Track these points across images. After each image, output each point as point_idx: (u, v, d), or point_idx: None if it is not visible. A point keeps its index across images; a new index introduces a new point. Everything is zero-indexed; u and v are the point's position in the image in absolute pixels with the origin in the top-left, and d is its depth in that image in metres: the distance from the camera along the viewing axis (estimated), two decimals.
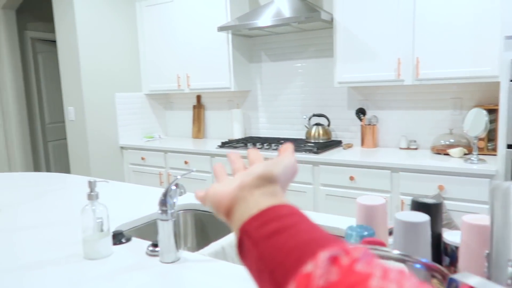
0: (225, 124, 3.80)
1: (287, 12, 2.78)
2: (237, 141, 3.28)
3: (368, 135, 2.94)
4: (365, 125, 2.94)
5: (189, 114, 4.04)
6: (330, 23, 2.78)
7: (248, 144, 3.02)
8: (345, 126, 3.15)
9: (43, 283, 0.91)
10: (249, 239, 0.36)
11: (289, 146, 0.51)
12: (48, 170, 5.04)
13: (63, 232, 1.26)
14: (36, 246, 1.14)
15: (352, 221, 1.27)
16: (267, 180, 0.43)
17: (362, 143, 2.97)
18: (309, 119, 3.20)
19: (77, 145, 3.59)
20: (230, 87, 3.31)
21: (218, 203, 0.44)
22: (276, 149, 2.88)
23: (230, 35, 3.25)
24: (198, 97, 3.92)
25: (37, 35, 4.75)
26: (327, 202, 2.64)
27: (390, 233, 0.88)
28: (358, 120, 3.07)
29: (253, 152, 0.52)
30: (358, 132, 3.09)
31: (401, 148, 2.84)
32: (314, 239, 0.33)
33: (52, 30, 4.76)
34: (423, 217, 0.71)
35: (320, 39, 3.16)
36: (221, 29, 3.02)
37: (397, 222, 0.71)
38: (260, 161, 0.50)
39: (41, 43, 4.82)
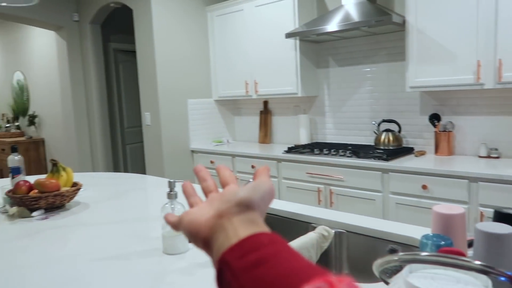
0: (291, 129, 3.83)
1: (356, 16, 2.74)
2: (304, 146, 3.29)
3: (443, 142, 2.79)
4: (440, 131, 2.79)
5: (256, 120, 4.12)
6: (402, 25, 2.69)
7: (314, 150, 3.02)
8: (417, 133, 3.02)
9: (128, 273, 1.00)
10: (228, 271, 0.35)
11: (265, 169, 0.48)
12: (126, 170, 5.43)
13: (144, 227, 1.37)
14: (120, 240, 1.25)
15: (426, 231, 1.22)
16: (246, 207, 0.41)
17: (436, 151, 2.82)
18: (379, 125, 3.12)
19: (152, 148, 3.83)
20: (297, 92, 3.34)
21: (196, 233, 0.42)
22: (343, 155, 2.84)
23: (297, 41, 3.28)
24: (265, 103, 3.99)
25: (119, 46, 5.16)
26: (398, 211, 2.55)
27: (469, 245, 0.85)
28: (431, 126, 2.92)
29: (224, 170, 0.49)
30: (432, 139, 2.94)
31: (480, 157, 2.66)
32: (297, 270, 0.32)
33: (132, 41, 5.15)
34: (507, 229, 0.67)
35: (390, 42, 3.07)
36: (289, 35, 3.06)
37: (479, 233, 0.68)
38: (233, 181, 0.47)
39: (122, 54, 5.23)
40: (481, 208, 2.23)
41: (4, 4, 1.19)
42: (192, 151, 3.93)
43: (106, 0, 4.08)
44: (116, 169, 5.30)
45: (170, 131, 3.77)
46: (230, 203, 0.41)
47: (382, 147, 2.98)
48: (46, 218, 1.52)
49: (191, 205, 0.48)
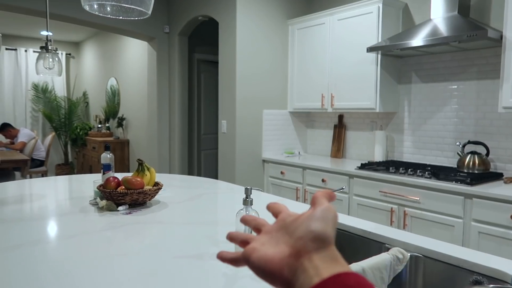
0: (366, 145, 3.72)
1: (445, 31, 2.61)
2: (378, 163, 3.17)
3: None
4: None
5: (329, 133, 4.07)
6: (498, 41, 2.50)
7: (390, 168, 2.90)
8: (508, 157, 2.76)
9: (202, 272, 1.04)
10: None
11: (325, 194, 0.44)
12: (199, 175, 5.66)
13: (217, 230, 1.42)
14: (195, 240, 1.31)
15: None
16: (322, 242, 0.38)
17: None
18: (463, 146, 2.91)
19: (226, 155, 3.96)
20: (375, 108, 3.24)
21: (271, 273, 0.39)
22: (421, 176, 2.69)
23: (379, 56, 3.20)
24: (340, 117, 3.93)
25: (202, 57, 5.44)
26: (480, 241, 2.34)
27: None
28: None
29: (275, 204, 0.46)
30: None
31: None
32: None
33: (214, 52, 5.40)
34: None
35: (483, 59, 2.86)
36: (371, 49, 3.00)
37: None
38: (283, 209, 0.45)
39: (204, 64, 5.51)
40: None
41: (120, 17, 1.32)
42: (264, 161, 3.99)
43: (195, 14, 4.34)
44: (190, 173, 5.55)
45: (244, 140, 3.87)
46: (305, 240, 0.39)
47: (465, 170, 2.77)
48: (129, 213, 1.65)
49: (246, 243, 0.44)
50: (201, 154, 5.68)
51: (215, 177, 5.48)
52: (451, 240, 2.46)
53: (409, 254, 1.29)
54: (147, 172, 1.83)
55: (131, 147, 6.51)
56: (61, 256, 1.15)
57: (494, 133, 2.83)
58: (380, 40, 3.17)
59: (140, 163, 1.85)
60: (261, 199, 1.95)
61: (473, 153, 2.80)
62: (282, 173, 3.75)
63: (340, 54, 3.51)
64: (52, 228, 1.43)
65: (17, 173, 5.56)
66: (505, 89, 2.46)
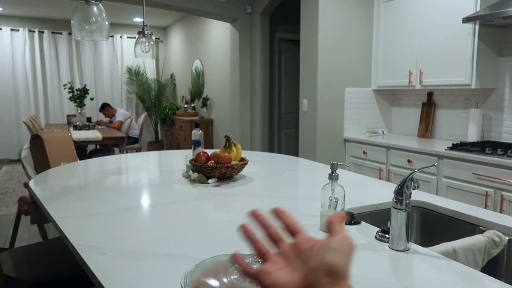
0: (458, 124, 3.46)
1: None
2: (472, 144, 2.95)
3: None
4: None
5: (416, 112, 3.86)
6: None
7: (486, 149, 2.67)
8: None
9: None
10: None
11: (340, 219, 0.41)
12: (279, 153, 5.76)
13: (301, 204, 1.46)
14: None
15: None
16: (336, 275, 0.37)
17: None
18: None
19: (306, 134, 3.97)
20: (470, 84, 2.99)
21: None
22: None
23: (477, 26, 2.92)
24: (430, 94, 3.69)
25: (283, 36, 5.45)
26: None
27: None
28: None
29: (286, 216, 0.43)
30: None
31: None
32: None
33: (295, 31, 5.36)
34: None
35: None
36: (468, 20, 2.75)
37: None
38: (300, 231, 0.41)
39: (285, 43, 5.51)
40: None
41: None
42: (345, 140, 3.92)
43: None
44: (271, 151, 5.67)
45: (326, 119, 3.84)
46: (318, 273, 0.37)
47: None
48: (218, 185, 1.76)
49: (261, 255, 0.44)
50: (281, 133, 5.75)
51: (295, 156, 5.53)
52: None
53: (507, 238, 1.21)
54: (233, 148, 1.92)
55: (214, 126, 6.81)
56: (160, 220, 1.29)
57: None
58: (478, 9, 2.89)
59: (228, 139, 1.95)
60: (345, 177, 1.95)
61: None
62: (364, 152, 3.67)
63: (431, 27, 3.27)
64: (153, 196, 1.59)
65: (116, 149, 6.17)
66: None
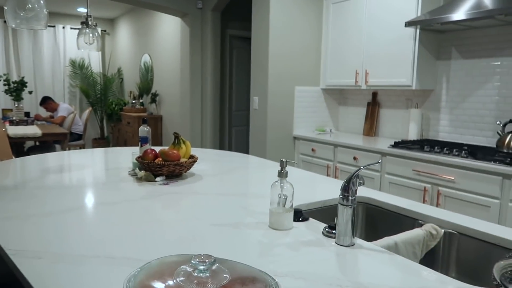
0: (400, 123, 3.64)
1: (490, 3, 2.48)
2: (412, 142, 3.11)
3: None
4: None
5: (362, 111, 4.01)
6: None
7: (425, 147, 2.84)
8: None
9: (239, 240, 1.09)
10: None
11: None
12: (230, 151, 5.74)
13: (251, 202, 1.46)
14: (230, 210, 1.35)
15: None
16: None
17: None
18: (504, 125, 2.80)
19: (257, 132, 3.99)
20: (411, 85, 3.16)
21: None
22: (457, 155, 2.63)
23: (418, 30, 3.09)
24: (374, 94, 3.85)
25: (234, 33, 5.43)
26: None
27: None
28: None
29: None
30: None
31: None
32: None
33: (247, 28, 5.37)
34: None
35: None
36: (410, 24, 2.90)
37: None
38: None
39: (237, 40, 5.50)
40: None
41: None
42: (295, 138, 3.99)
43: None
44: (221, 149, 5.64)
45: (276, 116, 3.88)
46: None
47: (505, 150, 2.68)
48: (166, 184, 1.71)
49: None
50: (232, 130, 5.74)
51: (246, 153, 5.55)
52: (486, 221, 2.40)
53: (443, 231, 1.29)
54: (182, 145, 1.88)
55: (164, 123, 6.65)
56: (104, 221, 1.23)
57: None
58: (419, 14, 3.05)
59: (176, 136, 1.91)
60: (294, 174, 1.98)
61: None
62: (313, 150, 3.75)
63: (376, 29, 3.41)
64: (96, 195, 1.52)
65: (57, 146, 5.83)
66: None
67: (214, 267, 0.65)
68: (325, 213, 1.53)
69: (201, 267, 0.63)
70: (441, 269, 1.30)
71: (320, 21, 3.99)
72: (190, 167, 1.85)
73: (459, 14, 2.61)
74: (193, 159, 1.84)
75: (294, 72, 3.92)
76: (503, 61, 2.87)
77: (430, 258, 1.30)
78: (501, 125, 2.85)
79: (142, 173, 1.76)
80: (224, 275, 0.65)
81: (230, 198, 1.51)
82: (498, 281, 0.66)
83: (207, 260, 0.64)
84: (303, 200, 1.50)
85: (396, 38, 3.25)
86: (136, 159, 1.83)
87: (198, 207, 1.39)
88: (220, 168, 2.07)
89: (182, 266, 0.65)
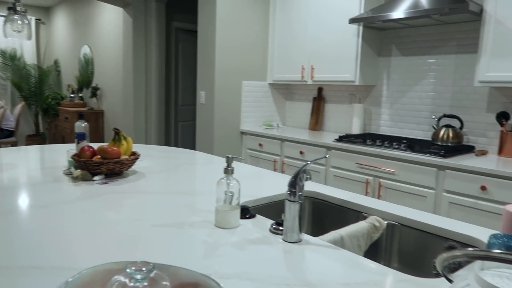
0: (344, 118, 3.74)
1: (426, 3, 2.60)
2: (355, 136, 3.21)
3: (509, 143, 2.60)
4: (507, 131, 2.61)
5: (308, 106, 4.07)
6: (478, 15, 2.51)
7: (367, 140, 2.93)
8: (480, 131, 2.84)
9: (183, 241, 1.03)
10: None
11: None
12: (176, 146, 5.60)
13: (197, 200, 1.41)
14: (174, 209, 1.29)
15: (487, 231, 1.16)
16: None
17: (500, 152, 2.64)
18: (439, 119, 2.97)
19: (204, 127, 3.92)
20: (354, 80, 3.24)
21: None
22: (397, 148, 2.74)
23: (361, 27, 3.17)
24: (320, 89, 3.92)
25: (180, 26, 5.28)
26: (450, 210, 2.43)
27: None
28: (497, 125, 2.74)
29: None
30: (496, 139, 2.76)
31: None
32: None
33: (193, 21, 5.24)
34: None
35: (462, 33, 2.88)
36: (353, 21, 2.97)
37: None
38: None
39: (183, 33, 5.35)
40: None
41: None
42: (242, 133, 3.97)
43: None
44: (167, 144, 5.49)
45: (223, 111, 3.83)
46: None
47: (440, 143, 2.84)
48: (105, 183, 1.61)
49: None
50: (179, 125, 5.60)
51: (193, 149, 5.44)
52: (423, 210, 2.53)
53: (386, 222, 1.32)
54: (123, 142, 1.78)
55: (106, 118, 6.34)
56: (35, 226, 1.12)
57: (469, 107, 2.89)
58: (362, 12, 3.13)
59: (117, 132, 1.80)
60: (241, 170, 1.94)
61: (447, 126, 2.86)
62: (260, 145, 3.75)
63: (322, 26, 3.47)
64: (24, 198, 1.38)
65: None
66: (482, 63, 2.50)
67: (152, 275, 0.60)
68: (273, 209, 1.51)
69: (138, 276, 0.58)
70: (384, 260, 1.34)
71: (267, 16, 3.98)
72: (132, 165, 1.75)
73: (399, 13, 2.71)
74: (135, 156, 1.75)
75: (241, 67, 3.88)
76: (438, 59, 3.03)
77: (374, 250, 1.33)
78: (436, 119, 3.02)
79: (78, 172, 1.64)
80: (164, 283, 0.60)
81: (174, 196, 1.45)
82: (440, 272, 0.67)
83: (144, 268, 0.58)
84: (250, 196, 1.48)
85: (341, 34, 3.32)
86: (71, 157, 1.70)
87: (140, 207, 1.32)
88: (164, 165, 1.99)
89: (116, 276, 0.59)
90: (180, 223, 1.17)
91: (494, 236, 0.72)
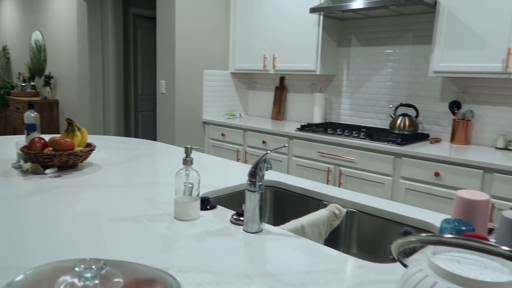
0: (305, 107, 3.78)
1: None
2: (317, 125, 3.25)
3: (461, 131, 2.73)
4: (458, 119, 2.73)
5: (270, 95, 4.08)
6: (433, 7, 2.59)
7: (328, 129, 2.98)
8: (434, 119, 2.95)
9: (140, 235, 1.00)
10: None
11: None
12: (137, 137, 5.45)
13: (156, 192, 1.37)
14: (132, 202, 1.25)
15: (440, 216, 1.20)
16: None
17: (452, 139, 2.77)
18: (396, 108, 3.06)
19: (165, 117, 3.83)
20: (315, 70, 3.27)
21: None
22: (357, 137, 2.80)
23: (321, 17, 3.19)
24: (282, 79, 3.93)
25: (138, 12, 5.09)
26: (407, 196, 2.52)
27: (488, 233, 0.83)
28: (450, 114, 2.86)
29: None
30: (449, 127, 2.88)
31: (497, 148, 2.60)
32: None
33: (152, 7, 5.07)
34: None
35: (418, 24, 2.97)
36: (314, 10, 2.98)
37: (505, 220, 0.66)
38: None
39: (141, 19, 5.17)
40: (494, 200, 2.20)
41: None
42: (204, 123, 3.92)
43: None
44: (127, 135, 5.33)
45: (184, 101, 3.75)
46: None
47: (397, 132, 2.93)
48: (58, 176, 1.53)
49: None
50: (139, 115, 5.45)
51: (154, 139, 5.32)
52: (381, 197, 2.62)
53: (345, 210, 1.35)
54: (77, 133, 1.70)
55: (61, 108, 6.06)
56: None
57: (424, 97, 3.00)
58: (323, 1, 3.15)
59: (70, 123, 1.72)
60: (202, 160, 1.92)
61: (404, 115, 2.96)
62: (223, 135, 3.72)
63: (283, 15, 3.46)
64: None
65: None
66: (436, 54, 2.59)
67: (104, 272, 0.57)
68: (235, 199, 1.50)
69: (88, 275, 0.54)
70: (344, 246, 1.37)
71: (228, 3, 3.92)
72: (87, 157, 1.68)
73: (357, 3, 2.75)
74: (90, 148, 1.68)
75: (202, 55, 3.81)
76: (395, 49, 3.11)
77: (334, 237, 1.35)
78: (393, 108, 3.11)
79: (28, 165, 1.55)
80: (117, 280, 0.57)
81: (133, 189, 1.40)
82: (396, 257, 0.68)
83: (94, 266, 0.55)
84: (211, 187, 1.46)
85: (302, 24, 3.33)
86: (20, 150, 1.60)
87: (95, 201, 1.26)
88: (123, 157, 1.92)
89: (63, 277, 0.56)
90: (138, 216, 1.13)
91: (445, 220, 0.74)
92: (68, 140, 1.59)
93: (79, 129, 1.72)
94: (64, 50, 5.71)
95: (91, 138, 2.43)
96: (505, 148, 2.58)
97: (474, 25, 2.42)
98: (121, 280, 0.58)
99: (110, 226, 1.05)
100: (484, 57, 2.40)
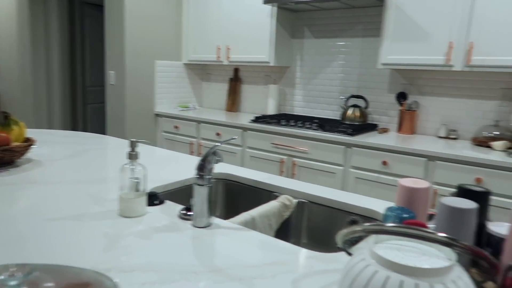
0: (260, 99, 3.78)
1: None
2: (271, 117, 3.26)
3: (407, 121, 2.84)
4: (405, 110, 2.84)
5: (225, 87, 4.04)
6: (381, 0, 2.66)
7: (281, 121, 3.00)
8: (383, 110, 3.06)
9: (82, 235, 0.95)
10: None
11: None
12: (85, 131, 5.21)
13: (100, 189, 1.31)
14: (74, 200, 1.18)
15: (386, 204, 1.24)
16: None
17: (399, 129, 2.88)
18: (347, 100, 3.13)
19: (114, 109, 3.68)
20: (269, 61, 3.27)
21: None
22: (309, 128, 2.84)
23: (275, 8, 3.19)
24: (236, 70, 3.90)
25: None
26: (357, 185, 2.60)
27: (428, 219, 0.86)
28: (397, 105, 2.97)
29: None
30: (396, 117, 3.00)
31: (439, 137, 2.74)
32: None
33: None
34: (470, 204, 0.67)
35: (368, 17, 3.04)
36: (267, 1, 2.96)
37: (443, 207, 0.68)
38: None
39: (89, 7, 4.91)
40: (436, 186, 2.32)
41: None
42: (157, 115, 3.81)
43: None
44: (74, 129, 5.08)
45: (135, 92, 3.63)
46: None
47: (348, 122, 3.01)
48: None
49: None
50: (87, 108, 5.21)
51: (103, 133, 5.11)
52: (333, 186, 2.68)
53: (296, 201, 1.35)
54: (14, 127, 1.58)
55: (1, 101, 5.65)
56: None
57: (373, 88, 3.09)
58: None
59: (6, 116, 1.59)
60: (154, 154, 1.86)
61: (354, 106, 3.04)
62: (176, 127, 3.64)
63: (237, 5, 3.42)
64: None
65: None
66: (384, 46, 2.67)
67: (32, 278, 0.53)
68: (185, 193, 1.47)
69: (12, 283, 0.50)
70: (294, 237, 1.38)
71: None
72: (25, 152, 1.57)
73: None
74: (28, 143, 1.57)
75: (154, 45, 3.69)
76: (347, 42, 3.17)
77: (285, 228, 1.36)
78: (344, 99, 3.19)
79: None
80: (47, 285, 0.53)
81: (76, 186, 1.33)
82: (341, 246, 0.69)
83: (19, 272, 0.51)
84: (161, 181, 1.41)
85: (256, 15, 3.30)
86: None
87: (34, 200, 1.18)
88: (68, 152, 1.82)
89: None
90: (79, 215, 1.07)
91: (389, 209, 0.76)
92: (3, 134, 1.48)
93: (16, 123, 1.60)
94: (3, 38, 5.31)
95: (32, 133, 2.28)
96: (447, 137, 2.72)
97: (419, 19, 2.51)
98: (52, 285, 0.54)
99: (48, 226, 0.99)
100: (428, 50, 2.50)
